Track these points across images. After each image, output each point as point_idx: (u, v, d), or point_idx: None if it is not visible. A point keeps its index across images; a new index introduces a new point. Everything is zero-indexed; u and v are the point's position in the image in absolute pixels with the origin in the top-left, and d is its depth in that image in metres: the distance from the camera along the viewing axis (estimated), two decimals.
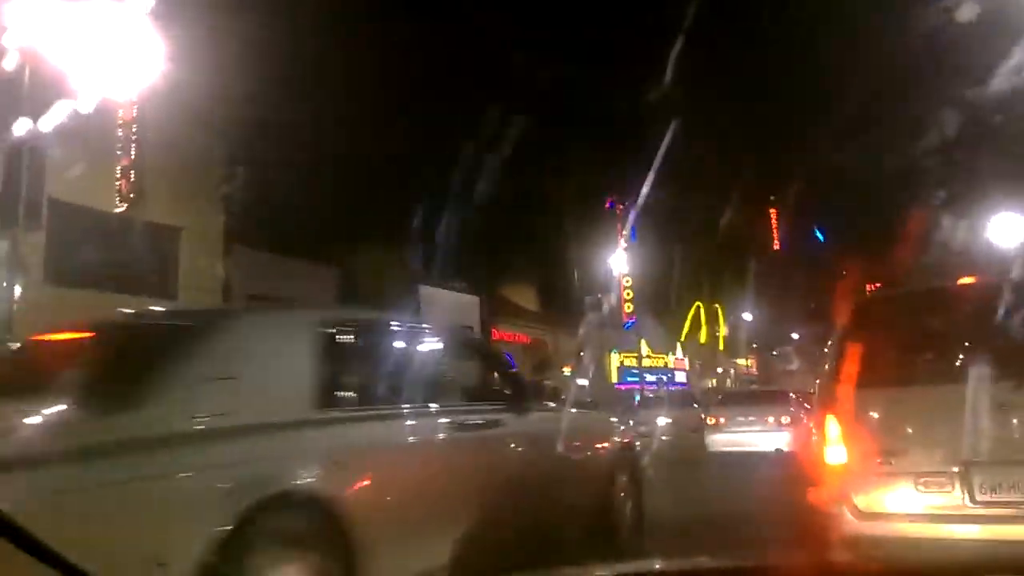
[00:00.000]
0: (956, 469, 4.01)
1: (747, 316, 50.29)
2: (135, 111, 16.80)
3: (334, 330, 4.10)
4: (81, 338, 4.02)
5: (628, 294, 37.74)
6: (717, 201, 43.08)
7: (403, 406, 4.23)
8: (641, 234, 38.47)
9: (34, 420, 3.19)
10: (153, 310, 8.17)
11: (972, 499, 3.97)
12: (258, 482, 3.18)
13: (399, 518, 3.76)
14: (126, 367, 3.53)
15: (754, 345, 57.97)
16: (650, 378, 37.69)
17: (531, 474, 4.76)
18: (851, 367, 4.51)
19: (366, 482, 3.70)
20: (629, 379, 36.99)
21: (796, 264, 62.77)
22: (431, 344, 5.05)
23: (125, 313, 4.80)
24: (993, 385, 3.93)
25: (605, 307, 32.63)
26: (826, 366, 4.77)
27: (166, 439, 3.08)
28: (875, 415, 4.39)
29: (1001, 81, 18.59)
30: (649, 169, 25.03)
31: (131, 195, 17.20)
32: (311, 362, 3.73)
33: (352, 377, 4.20)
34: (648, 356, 39.77)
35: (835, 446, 4.32)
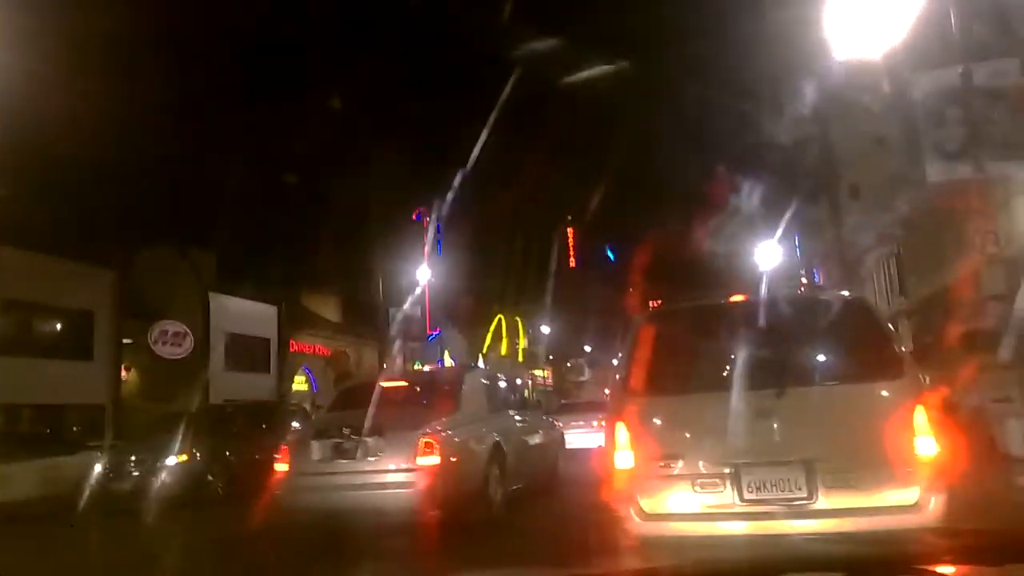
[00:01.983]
0: (727, 471, 4.37)
1: (545, 329, 52.40)
2: None
3: (486, 380, 9.99)
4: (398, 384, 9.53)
5: (432, 306, 37.86)
6: (520, 218, 44.69)
7: (511, 413, 9.83)
8: (446, 247, 38.86)
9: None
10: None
11: (741, 498, 4.33)
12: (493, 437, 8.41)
13: (516, 456, 8.73)
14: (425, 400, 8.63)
15: (550, 357, 60.54)
16: None
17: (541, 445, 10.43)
18: (637, 378, 4.89)
19: (508, 440, 8.69)
20: None
21: (590, 281, 66.49)
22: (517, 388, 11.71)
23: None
24: (758, 393, 4.35)
25: (409, 319, 32.47)
26: (616, 377, 5.10)
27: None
28: (657, 422, 4.70)
29: (774, 125, 20.97)
30: (457, 183, 25.34)
31: None
32: (489, 392, 9.46)
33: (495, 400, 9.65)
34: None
35: (623, 451, 4.60)
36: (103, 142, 20.57)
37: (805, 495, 4.25)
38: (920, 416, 4.26)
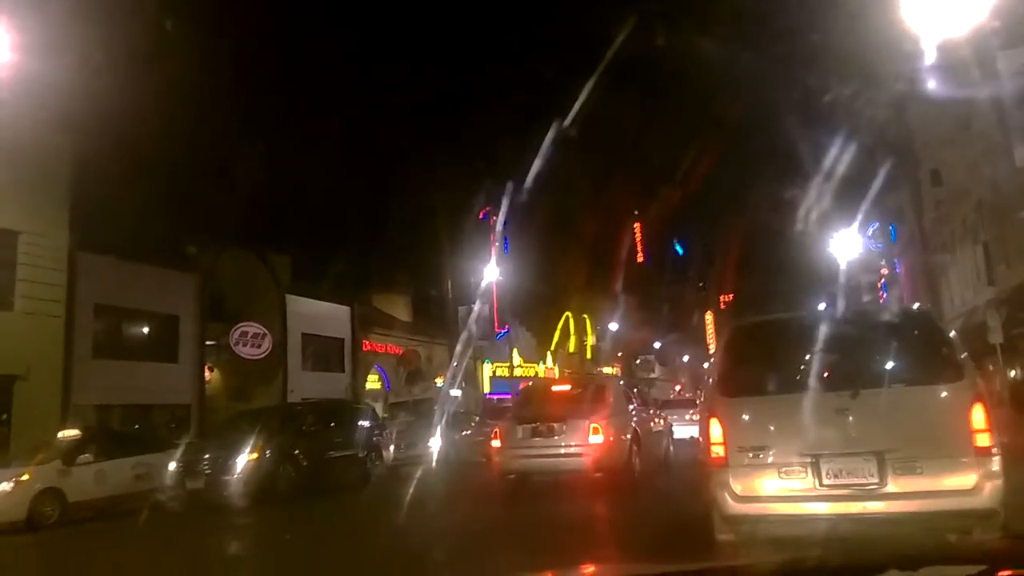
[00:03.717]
0: (808, 460, 5.04)
1: (613, 326, 51.99)
2: None
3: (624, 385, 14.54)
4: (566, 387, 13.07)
5: (500, 304, 38.06)
6: (587, 215, 44.46)
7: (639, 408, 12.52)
8: (514, 246, 39.00)
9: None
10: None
11: (820, 483, 5.00)
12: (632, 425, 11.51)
13: (646, 439, 11.67)
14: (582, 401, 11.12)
15: (619, 353, 60.06)
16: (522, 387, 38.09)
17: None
18: (728, 380, 5.64)
19: (641, 428, 11.67)
20: (500, 389, 37.29)
21: (658, 276, 65.75)
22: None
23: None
24: (835, 394, 5.04)
25: (478, 317, 32.73)
26: (708, 378, 6.16)
27: None
28: (746, 418, 5.41)
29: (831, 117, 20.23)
30: (523, 182, 25.37)
31: None
32: (626, 393, 12.52)
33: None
34: (520, 366, 40.23)
35: (717, 444, 5.31)
36: (184, 153, 21.49)
37: (876, 480, 4.89)
38: (978, 413, 4.88)
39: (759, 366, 5.62)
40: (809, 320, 5.95)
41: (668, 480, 11.77)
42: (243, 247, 26.05)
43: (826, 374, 5.14)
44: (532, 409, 11.22)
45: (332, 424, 14.65)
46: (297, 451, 13.08)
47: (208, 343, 24.06)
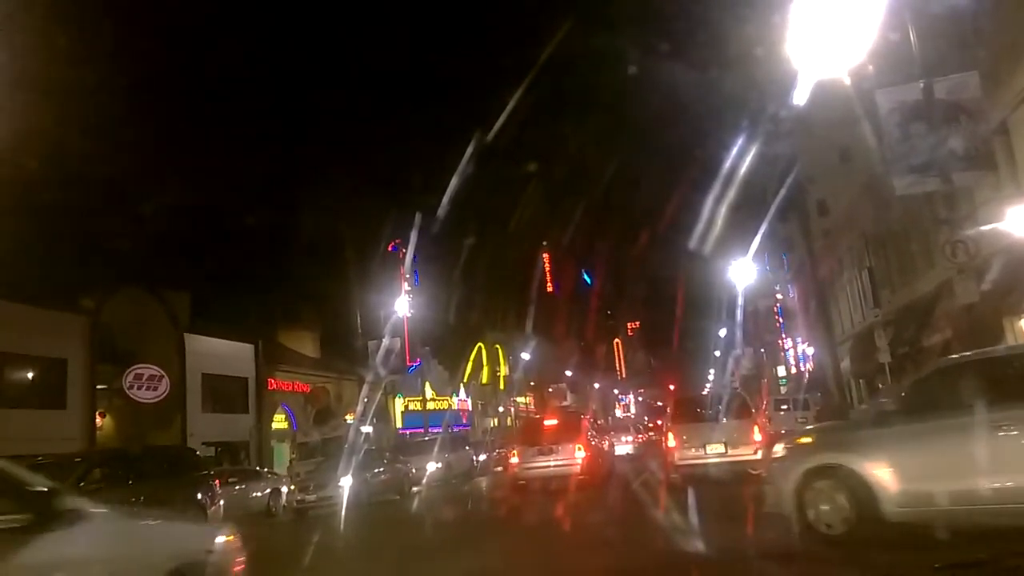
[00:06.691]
0: (702, 444, 13.29)
1: (525, 356, 52.29)
2: None
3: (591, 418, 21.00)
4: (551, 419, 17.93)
5: (411, 337, 37.64)
6: (496, 246, 44.77)
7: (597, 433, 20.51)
8: (424, 278, 38.79)
9: None
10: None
11: (705, 453, 13.21)
12: (598, 444, 19.26)
13: (607, 454, 21.43)
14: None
15: (531, 383, 60.39)
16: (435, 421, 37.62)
17: None
18: (675, 417, 14.43)
19: (600, 446, 19.98)
20: (414, 423, 36.73)
21: (567, 305, 66.71)
22: None
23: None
24: (708, 423, 13.68)
25: (389, 351, 32.23)
26: (668, 412, 15.87)
27: None
28: (682, 430, 13.69)
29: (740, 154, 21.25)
30: (432, 214, 25.33)
31: None
32: (591, 423, 19.45)
33: None
34: (432, 399, 39.77)
35: (672, 440, 13.59)
36: (66, 187, 20.31)
37: (723, 451, 13.05)
38: (756, 429, 13.54)
39: (684, 410, 14.72)
40: (709, 395, 17.49)
41: (620, 473, 17.99)
42: (137, 285, 24.81)
43: (707, 413, 14.13)
44: (533, 436, 16.35)
45: (130, 480, 11.03)
46: (132, 499, 10.06)
47: (100, 387, 22.69)
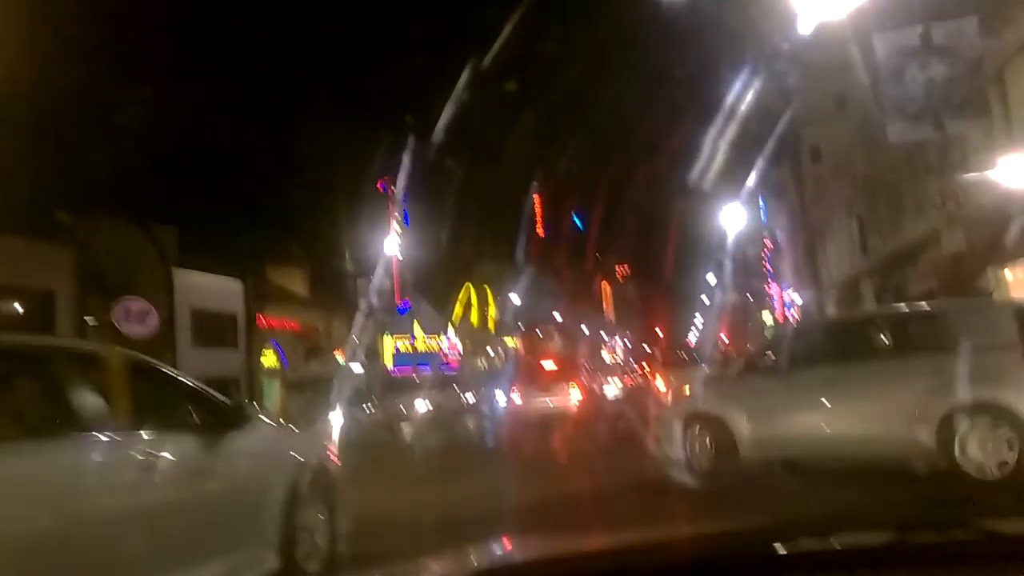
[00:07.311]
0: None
1: (515, 298, 52.42)
2: None
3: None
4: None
5: (401, 277, 37.67)
6: (488, 186, 44.43)
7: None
8: (414, 217, 38.57)
9: None
10: None
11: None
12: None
13: (594, 392, 28.00)
14: None
15: (520, 326, 60.70)
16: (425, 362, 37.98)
17: None
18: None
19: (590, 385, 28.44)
20: (405, 363, 37.05)
21: (558, 248, 66.61)
22: None
23: None
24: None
25: (379, 290, 32.29)
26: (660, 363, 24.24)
27: None
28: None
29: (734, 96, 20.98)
30: (423, 153, 25.04)
31: None
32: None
33: None
34: (422, 340, 40.04)
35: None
36: (55, 113, 19.89)
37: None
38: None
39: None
40: None
41: (610, 409, 19.49)
42: (124, 217, 24.55)
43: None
44: (533, 377, 19.10)
45: None
46: None
47: (90, 322, 22.67)
